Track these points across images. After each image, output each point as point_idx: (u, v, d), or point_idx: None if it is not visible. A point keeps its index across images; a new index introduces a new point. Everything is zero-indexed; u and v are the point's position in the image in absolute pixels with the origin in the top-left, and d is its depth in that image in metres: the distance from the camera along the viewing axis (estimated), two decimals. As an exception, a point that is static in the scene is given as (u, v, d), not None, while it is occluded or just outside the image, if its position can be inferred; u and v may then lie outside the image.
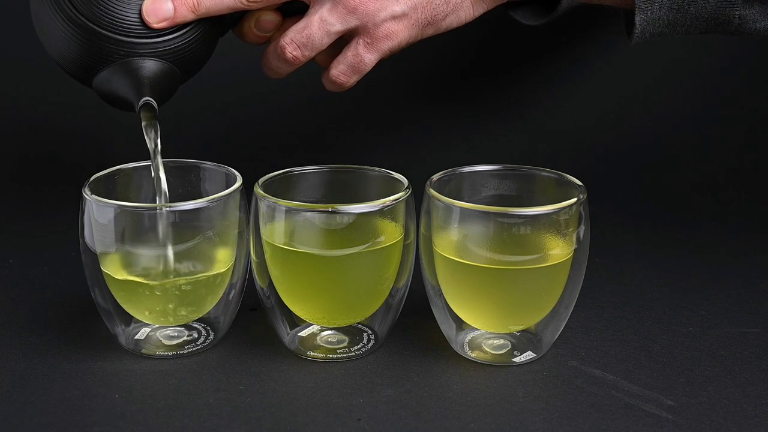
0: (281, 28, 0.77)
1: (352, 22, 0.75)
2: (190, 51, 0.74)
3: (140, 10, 0.71)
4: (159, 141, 0.73)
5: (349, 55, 0.77)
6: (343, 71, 0.77)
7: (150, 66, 0.72)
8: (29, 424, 0.65)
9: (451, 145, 1.08)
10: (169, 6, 0.72)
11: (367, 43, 0.76)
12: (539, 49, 1.08)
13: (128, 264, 0.70)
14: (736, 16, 0.76)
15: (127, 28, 0.71)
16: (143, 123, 0.72)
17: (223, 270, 0.73)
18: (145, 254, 0.70)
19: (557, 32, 1.07)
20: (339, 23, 0.75)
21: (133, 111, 0.73)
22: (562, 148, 1.07)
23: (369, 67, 0.77)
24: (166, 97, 0.75)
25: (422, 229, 0.72)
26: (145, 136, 0.73)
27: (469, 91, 1.09)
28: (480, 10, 0.78)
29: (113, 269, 0.71)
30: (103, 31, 0.71)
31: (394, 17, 0.75)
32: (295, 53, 0.76)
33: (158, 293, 0.70)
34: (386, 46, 0.76)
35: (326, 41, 0.76)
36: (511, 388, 0.69)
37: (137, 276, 0.70)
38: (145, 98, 0.72)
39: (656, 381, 0.70)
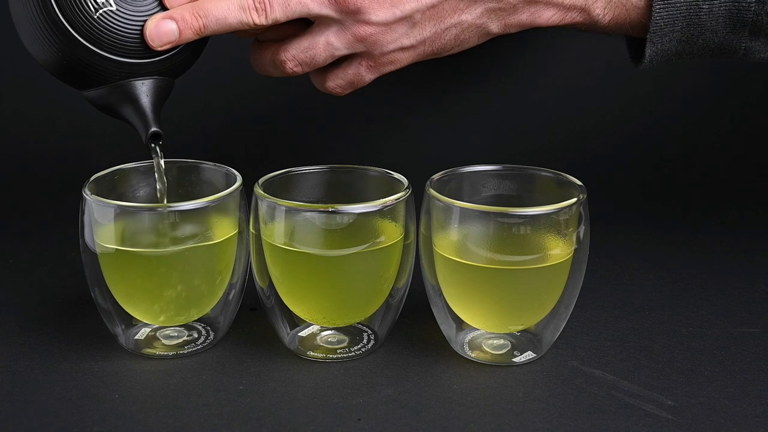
0: (273, 27, 0.77)
1: (358, 48, 0.74)
2: (186, 62, 0.73)
3: (142, 31, 0.69)
4: (165, 177, 0.74)
5: (349, 72, 0.76)
6: (340, 85, 0.77)
7: (150, 87, 0.71)
8: (29, 424, 0.65)
9: (451, 144, 1.08)
10: (173, 29, 0.70)
11: (370, 65, 0.76)
12: (539, 49, 1.08)
13: (125, 237, 0.70)
14: (742, 48, 0.78)
15: (128, 49, 0.69)
16: (152, 154, 0.73)
17: (223, 270, 0.73)
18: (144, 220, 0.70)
19: (557, 32, 1.07)
20: (345, 48, 0.74)
21: (123, 120, 0.73)
22: (562, 148, 1.07)
23: (366, 83, 0.78)
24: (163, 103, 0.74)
25: (422, 229, 0.72)
26: (155, 168, 0.74)
27: (470, 91, 1.09)
28: (484, 39, 0.78)
29: (112, 241, 0.70)
30: (103, 53, 0.69)
31: (402, 48, 0.75)
32: (295, 69, 0.75)
33: (155, 268, 0.70)
34: (388, 69, 0.77)
35: (329, 61, 0.75)
36: (511, 388, 0.69)
37: (133, 247, 0.70)
38: (152, 130, 0.71)
39: (656, 381, 0.70)
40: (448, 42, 0.76)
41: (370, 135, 1.09)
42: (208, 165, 0.77)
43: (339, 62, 0.77)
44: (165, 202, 0.74)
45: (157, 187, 0.74)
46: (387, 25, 0.73)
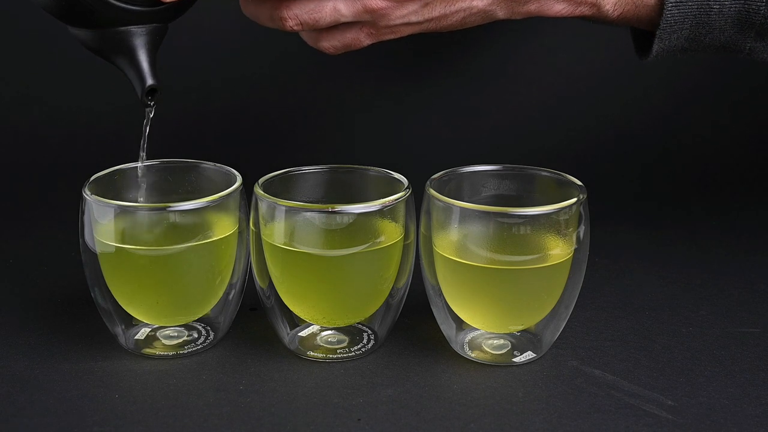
0: None
1: (365, 18, 0.73)
2: (185, 8, 0.71)
3: None
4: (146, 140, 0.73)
5: (348, 36, 0.75)
6: (335, 46, 0.75)
7: (147, 36, 0.68)
8: (29, 424, 0.65)
9: (451, 144, 1.08)
10: None
11: (371, 33, 0.75)
12: (540, 49, 1.08)
13: (125, 237, 0.70)
14: (747, 47, 0.78)
15: None
16: (146, 107, 0.71)
17: (223, 270, 0.73)
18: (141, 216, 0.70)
19: (558, 32, 1.07)
20: (352, 17, 0.73)
21: (113, 65, 0.71)
22: (562, 148, 1.07)
23: (362, 47, 0.76)
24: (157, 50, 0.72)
25: (422, 229, 0.72)
26: (146, 113, 0.72)
27: (470, 90, 1.09)
28: (488, 22, 0.78)
29: (112, 241, 0.70)
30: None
31: (408, 24, 0.75)
32: (295, 28, 0.73)
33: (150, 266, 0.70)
34: (388, 38, 0.76)
35: (331, 25, 0.74)
36: (511, 388, 0.69)
37: (131, 244, 0.70)
38: (149, 83, 0.69)
39: (656, 381, 0.70)
40: (453, 23, 0.76)
41: (370, 134, 1.09)
42: (208, 165, 0.77)
43: (338, 24, 0.75)
44: (143, 157, 0.74)
45: (140, 152, 0.74)
46: (400, 1, 0.72)
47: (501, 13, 0.76)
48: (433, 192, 0.71)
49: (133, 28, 0.69)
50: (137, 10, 0.68)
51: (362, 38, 0.75)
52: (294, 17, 0.73)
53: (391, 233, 0.71)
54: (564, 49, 1.08)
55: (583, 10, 0.78)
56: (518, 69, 1.09)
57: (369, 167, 0.76)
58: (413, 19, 0.74)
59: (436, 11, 0.74)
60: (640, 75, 1.08)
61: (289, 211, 0.70)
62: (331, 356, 0.73)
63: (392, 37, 0.76)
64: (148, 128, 0.73)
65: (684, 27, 0.77)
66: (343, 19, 0.73)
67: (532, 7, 0.76)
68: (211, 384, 0.70)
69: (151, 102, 0.71)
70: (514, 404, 0.67)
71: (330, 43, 0.76)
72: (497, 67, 1.09)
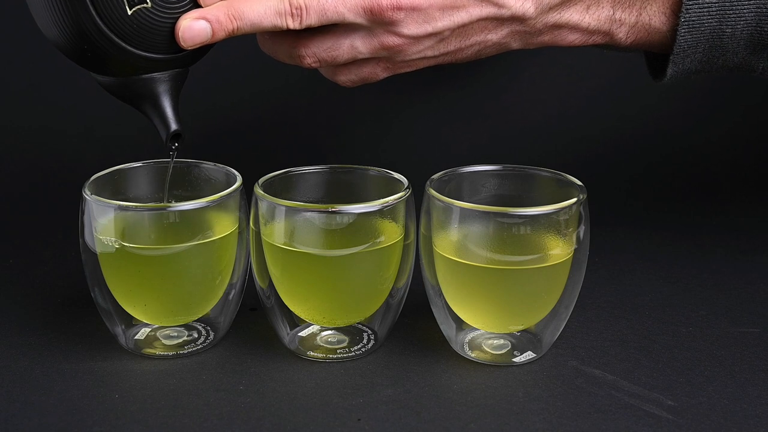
0: None
1: (381, 54, 0.73)
2: (205, 52, 0.72)
3: (173, 29, 0.68)
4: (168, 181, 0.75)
5: (365, 70, 0.75)
6: (352, 80, 0.76)
7: (169, 82, 0.70)
8: (29, 424, 0.65)
9: (451, 144, 1.08)
10: (207, 30, 0.68)
11: (388, 67, 0.75)
12: (540, 50, 1.08)
13: (125, 237, 0.70)
14: (760, 67, 0.79)
15: (156, 46, 0.68)
16: (170, 151, 0.72)
17: (223, 270, 0.73)
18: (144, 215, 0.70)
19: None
20: (369, 54, 0.73)
21: (137, 110, 0.72)
22: (562, 148, 1.07)
23: (378, 80, 0.77)
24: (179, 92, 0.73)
25: (422, 229, 0.72)
26: (169, 167, 0.74)
27: (471, 90, 1.09)
28: (502, 52, 0.78)
29: (111, 241, 0.70)
30: (131, 48, 0.67)
31: (424, 58, 0.75)
32: (313, 65, 0.74)
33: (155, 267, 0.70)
34: (404, 71, 0.76)
35: (348, 62, 0.74)
36: (511, 388, 0.69)
37: (135, 243, 0.70)
38: (173, 129, 0.70)
39: (656, 381, 0.70)
40: (469, 56, 0.76)
41: (370, 135, 1.09)
42: (208, 165, 0.77)
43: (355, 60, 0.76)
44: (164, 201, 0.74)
45: (166, 186, 0.75)
46: (416, 38, 0.73)
47: (515, 45, 0.77)
48: (433, 192, 0.71)
49: (156, 75, 0.69)
50: (159, 58, 0.68)
51: (379, 72, 0.75)
52: (312, 55, 0.73)
53: (391, 233, 0.71)
54: (565, 49, 1.08)
55: (596, 39, 0.78)
56: (519, 69, 1.09)
57: (369, 167, 0.76)
58: (429, 53, 0.74)
59: (452, 45, 0.74)
60: (641, 76, 1.08)
61: (289, 211, 0.70)
62: (331, 356, 0.73)
63: (408, 70, 0.76)
64: (171, 171, 0.75)
65: (697, 51, 0.77)
66: (360, 56, 0.73)
67: (546, 38, 0.77)
68: (211, 384, 0.70)
69: (174, 146, 0.72)
70: (514, 404, 0.67)
71: (347, 78, 0.76)
72: (498, 68, 1.09)
